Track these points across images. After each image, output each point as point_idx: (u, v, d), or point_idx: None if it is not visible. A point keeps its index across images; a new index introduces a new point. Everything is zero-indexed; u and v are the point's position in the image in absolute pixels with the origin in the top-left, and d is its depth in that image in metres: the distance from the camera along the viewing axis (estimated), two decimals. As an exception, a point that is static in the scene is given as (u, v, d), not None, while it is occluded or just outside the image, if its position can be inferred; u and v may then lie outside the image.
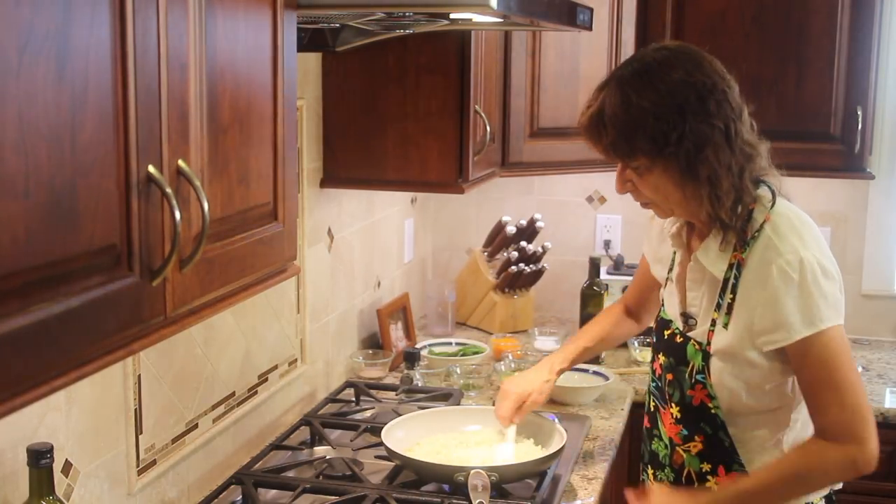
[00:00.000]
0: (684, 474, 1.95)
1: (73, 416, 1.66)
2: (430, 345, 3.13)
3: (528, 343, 3.15)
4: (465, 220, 3.66)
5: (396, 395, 2.59)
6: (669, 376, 1.96)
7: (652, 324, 2.14)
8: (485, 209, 3.61)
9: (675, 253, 2.03)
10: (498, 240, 3.42)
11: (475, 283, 3.42)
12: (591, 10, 2.38)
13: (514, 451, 2.16)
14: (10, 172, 0.93)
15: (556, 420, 2.28)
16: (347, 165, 2.57)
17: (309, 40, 2.27)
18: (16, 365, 0.96)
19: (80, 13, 1.01)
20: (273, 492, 2.08)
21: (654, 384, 2.04)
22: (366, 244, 2.96)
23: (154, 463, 1.92)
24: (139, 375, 1.85)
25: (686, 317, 1.96)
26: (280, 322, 2.43)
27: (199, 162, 1.27)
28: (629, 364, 3.07)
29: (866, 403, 1.79)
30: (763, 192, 1.87)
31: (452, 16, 2.05)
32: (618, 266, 3.41)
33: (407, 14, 1.99)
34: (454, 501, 1.94)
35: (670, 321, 2.00)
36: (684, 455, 1.95)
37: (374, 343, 3.00)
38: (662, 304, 2.06)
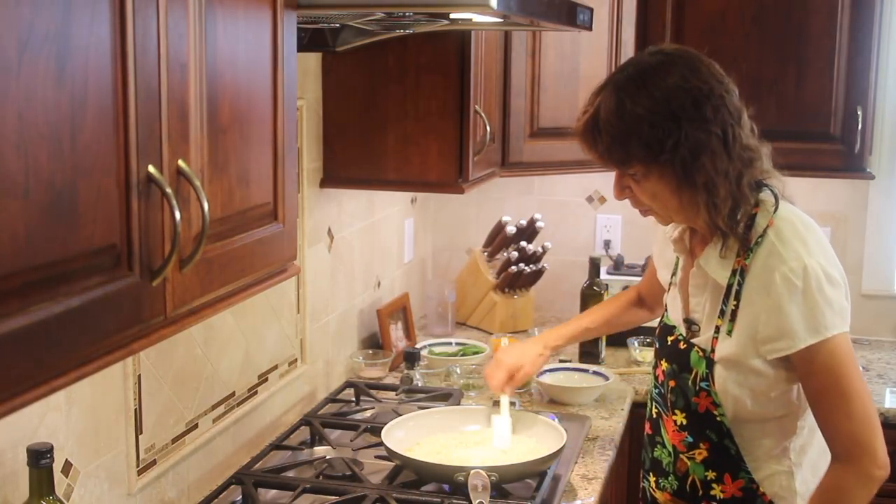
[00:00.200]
0: (688, 482, 1.93)
1: (73, 416, 1.66)
2: (430, 345, 3.13)
3: (528, 343, 3.15)
4: (465, 220, 3.66)
5: (396, 395, 2.59)
6: (672, 383, 1.94)
7: (656, 331, 2.12)
8: (485, 209, 3.62)
9: (678, 258, 2.01)
10: (498, 240, 3.42)
11: (475, 283, 3.42)
12: (591, 10, 2.38)
13: (509, 423, 2.17)
14: (10, 172, 0.93)
15: (556, 420, 2.28)
16: (347, 165, 2.57)
17: (309, 40, 2.27)
18: (16, 365, 0.96)
19: (80, 13, 1.01)
20: (273, 492, 2.08)
21: (656, 391, 2.02)
22: (366, 244, 2.96)
23: (154, 463, 1.92)
24: (139, 375, 1.85)
25: (689, 323, 1.94)
26: (280, 322, 2.43)
27: (199, 162, 1.27)
28: (629, 364, 3.07)
29: (873, 411, 1.78)
30: (766, 196, 1.85)
31: (452, 16, 2.05)
32: (618, 266, 3.41)
33: (407, 14, 1.99)
34: (454, 501, 1.94)
35: (673, 327, 1.98)
36: (689, 463, 1.93)
37: (374, 343, 3.00)
38: (666, 310, 2.05)
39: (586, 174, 3.29)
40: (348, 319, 2.86)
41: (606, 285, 3.18)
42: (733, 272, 1.83)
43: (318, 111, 2.56)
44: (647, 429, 2.08)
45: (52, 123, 0.98)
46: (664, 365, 1.97)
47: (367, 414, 2.47)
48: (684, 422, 1.92)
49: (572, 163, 2.93)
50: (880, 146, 3.29)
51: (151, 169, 1.15)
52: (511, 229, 3.34)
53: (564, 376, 2.83)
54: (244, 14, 1.37)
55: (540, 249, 3.36)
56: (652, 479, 2.04)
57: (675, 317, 2.00)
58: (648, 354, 3.01)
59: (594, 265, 3.16)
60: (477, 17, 2.12)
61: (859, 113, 2.94)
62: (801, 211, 1.87)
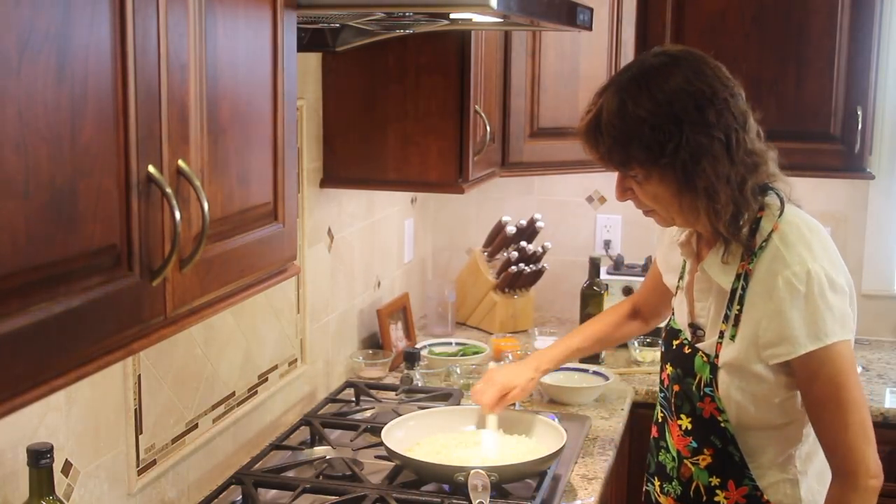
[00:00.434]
0: (692, 488, 1.92)
1: (73, 416, 1.66)
2: (430, 345, 3.13)
3: (528, 343, 3.15)
4: (465, 220, 3.66)
5: (396, 395, 2.59)
6: (677, 387, 1.92)
7: (661, 325, 2.12)
8: (485, 209, 3.62)
9: (685, 261, 2.00)
10: (498, 240, 3.42)
11: (475, 283, 3.42)
12: (591, 10, 2.38)
13: (498, 438, 2.17)
14: (10, 172, 0.93)
15: (556, 420, 2.28)
16: (347, 165, 2.57)
17: (309, 40, 2.27)
18: (16, 365, 0.96)
19: (80, 13, 1.01)
20: (273, 492, 2.08)
21: (661, 395, 2.01)
22: (366, 244, 2.96)
23: (154, 463, 1.92)
24: (139, 375, 1.85)
25: (694, 327, 1.93)
26: (280, 322, 2.43)
27: (199, 162, 1.27)
28: (629, 364, 3.07)
29: (870, 422, 1.77)
30: (771, 199, 1.83)
31: (452, 16, 2.05)
32: (618, 266, 3.41)
33: (407, 14, 1.99)
34: (454, 501, 1.94)
35: (679, 331, 1.97)
36: (693, 468, 1.91)
37: (374, 343, 3.00)
38: (673, 314, 2.04)
39: (586, 174, 3.29)
40: (348, 319, 2.86)
41: (606, 285, 3.19)
42: (737, 276, 1.81)
43: (318, 111, 2.56)
44: (654, 432, 2.07)
45: (52, 123, 0.98)
46: (669, 369, 1.96)
47: (367, 414, 2.47)
48: (689, 427, 1.91)
49: (572, 163, 2.93)
50: (880, 146, 3.29)
51: (151, 169, 1.15)
52: (511, 229, 3.34)
53: (564, 376, 2.83)
54: (244, 14, 1.37)
55: (540, 249, 3.36)
56: (656, 483, 2.03)
57: (681, 321, 1.98)
58: (648, 354, 3.01)
59: (594, 265, 3.16)
60: (477, 17, 2.12)
61: (859, 113, 2.94)
62: (807, 214, 1.86)
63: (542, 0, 2.02)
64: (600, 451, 2.41)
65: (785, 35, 2.98)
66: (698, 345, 1.90)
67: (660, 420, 2.03)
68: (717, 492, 1.88)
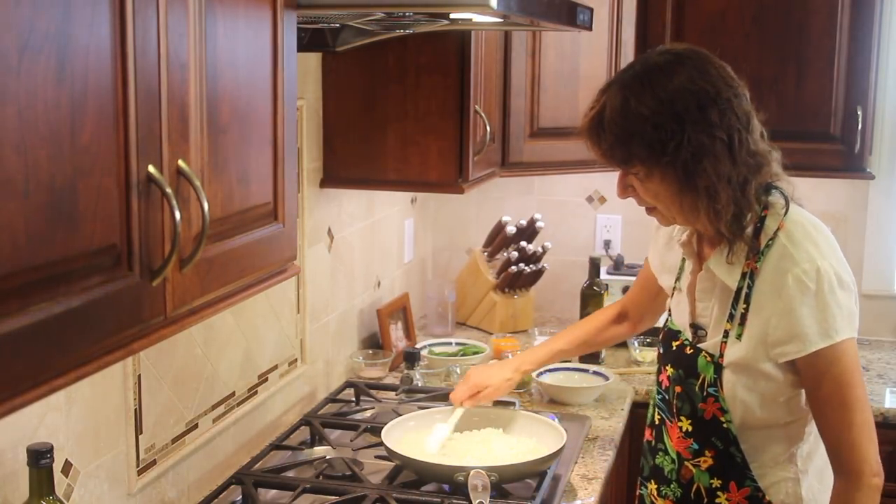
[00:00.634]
0: (693, 490, 1.91)
1: (73, 416, 1.66)
2: (430, 345, 3.13)
3: (528, 343, 3.15)
4: (465, 220, 3.66)
5: (396, 395, 2.59)
6: (678, 389, 1.91)
7: (656, 325, 2.12)
8: (485, 209, 3.61)
9: (683, 262, 1.99)
10: (498, 240, 3.42)
11: (475, 283, 3.42)
12: (591, 10, 2.38)
13: (447, 433, 2.18)
14: (10, 172, 0.93)
15: (556, 420, 2.28)
16: (347, 165, 2.57)
17: (309, 40, 2.27)
18: (16, 365, 0.96)
19: (80, 13, 1.01)
20: (273, 492, 2.08)
21: (659, 397, 1.99)
22: (366, 244, 2.96)
23: (154, 463, 1.92)
24: (139, 375, 1.85)
25: (696, 327, 1.92)
26: (280, 322, 2.43)
27: (199, 162, 1.27)
28: (629, 364, 3.07)
29: (872, 421, 1.78)
30: (775, 198, 1.83)
31: (452, 16, 2.05)
32: (618, 266, 3.41)
33: (407, 14, 1.99)
34: (454, 501, 1.94)
35: (678, 332, 1.96)
36: (693, 470, 1.91)
37: (374, 343, 3.00)
38: (669, 314, 2.03)
39: (586, 174, 3.29)
40: (348, 319, 2.86)
41: (606, 285, 3.19)
42: (743, 275, 1.81)
43: (318, 111, 2.56)
44: (648, 435, 2.06)
45: (52, 123, 0.98)
46: (669, 370, 1.95)
47: (367, 414, 2.47)
48: (690, 428, 1.90)
49: (572, 163, 2.93)
50: (880, 146, 3.29)
51: (151, 169, 1.15)
52: (511, 229, 3.34)
53: (564, 376, 2.83)
54: (244, 14, 1.37)
55: (540, 249, 3.36)
56: (652, 486, 2.02)
57: (680, 321, 1.97)
58: (648, 354, 3.01)
59: (594, 265, 3.16)
60: (477, 17, 2.12)
61: (859, 113, 2.94)
62: (810, 213, 1.86)
63: (542, 0, 2.02)
64: (600, 451, 2.41)
65: (785, 35, 2.98)
66: (700, 345, 1.89)
67: (656, 422, 2.01)
68: (719, 493, 1.88)
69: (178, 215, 1.17)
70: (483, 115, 2.55)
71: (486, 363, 2.59)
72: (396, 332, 3.06)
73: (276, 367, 2.43)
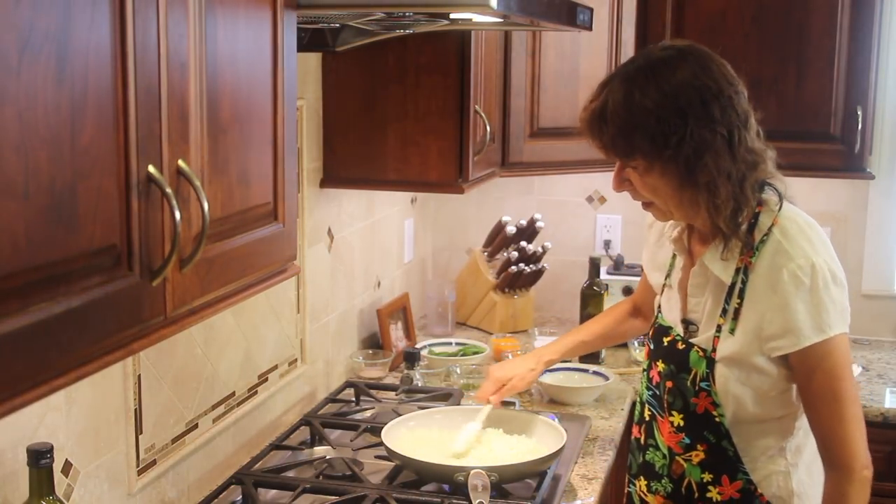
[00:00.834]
0: (684, 484, 1.92)
1: (73, 416, 1.66)
2: (430, 345, 3.13)
3: (528, 343, 3.15)
4: (465, 220, 3.66)
5: (396, 395, 2.59)
6: (669, 384, 1.92)
7: (649, 333, 2.12)
8: (485, 209, 3.61)
9: (673, 258, 2.00)
10: (498, 240, 3.42)
11: (475, 283, 3.42)
12: (591, 10, 2.38)
13: (476, 431, 2.18)
14: (10, 173, 0.93)
15: (556, 420, 2.28)
16: (347, 165, 2.57)
17: (309, 40, 2.27)
18: (16, 365, 0.96)
19: (80, 13, 1.01)
20: (273, 492, 2.08)
21: (649, 392, 2.00)
22: (366, 244, 2.96)
23: (154, 463, 1.92)
24: (139, 375, 1.85)
25: (687, 323, 1.93)
26: (280, 322, 2.43)
27: (199, 162, 1.27)
28: (629, 364, 3.07)
29: (862, 415, 1.81)
30: (769, 195, 1.85)
31: (452, 16, 2.05)
32: (618, 266, 3.41)
33: (407, 14, 1.99)
34: (454, 501, 1.94)
35: (669, 328, 1.97)
36: (685, 465, 1.92)
37: (374, 343, 3.00)
38: (659, 311, 2.03)
39: (586, 174, 3.29)
40: (348, 319, 2.86)
41: (606, 285, 3.19)
42: (737, 270, 1.82)
43: (318, 111, 2.56)
44: (636, 433, 2.06)
45: (52, 124, 0.98)
46: (660, 366, 1.95)
47: (367, 414, 2.47)
48: (681, 423, 1.91)
49: (572, 163, 2.93)
50: (880, 146, 3.29)
51: (151, 169, 1.15)
52: (511, 229, 3.34)
53: (564, 376, 2.83)
54: (244, 14, 1.37)
55: (540, 249, 3.36)
56: (642, 483, 2.02)
57: (671, 318, 1.98)
58: (648, 354, 3.01)
59: (594, 265, 3.16)
60: (477, 17, 2.12)
61: (859, 113, 2.94)
62: (802, 211, 1.88)
63: (542, 0, 2.02)
64: (600, 451, 2.41)
65: (785, 35, 2.98)
66: (692, 340, 1.90)
67: (647, 418, 2.02)
68: (710, 487, 1.89)
69: (178, 215, 1.17)
70: (483, 115, 2.55)
71: (506, 360, 2.59)
72: (396, 332, 3.07)
73: (276, 367, 2.43)
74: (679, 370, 1.90)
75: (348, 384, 2.67)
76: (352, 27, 2.26)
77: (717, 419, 1.86)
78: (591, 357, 3.01)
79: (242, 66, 1.37)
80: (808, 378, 1.78)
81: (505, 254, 3.37)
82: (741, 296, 1.82)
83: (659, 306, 2.05)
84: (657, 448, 1.98)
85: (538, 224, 3.41)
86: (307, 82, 2.49)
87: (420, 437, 2.19)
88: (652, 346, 2.02)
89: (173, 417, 1.98)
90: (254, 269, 1.44)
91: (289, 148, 1.53)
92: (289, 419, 2.47)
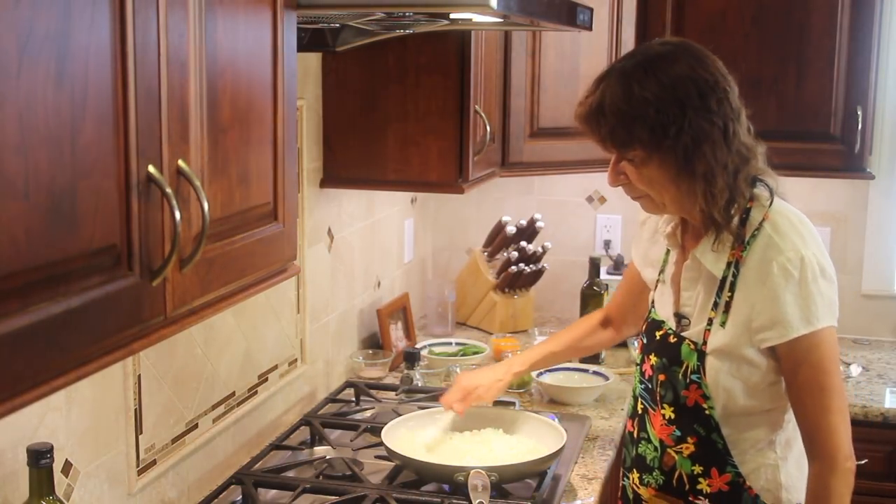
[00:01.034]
0: (675, 476, 1.94)
1: (73, 416, 1.66)
2: (430, 345, 3.13)
3: (528, 343, 3.15)
4: (465, 220, 3.66)
5: (396, 395, 2.59)
6: (662, 377, 1.94)
7: (642, 328, 2.12)
8: (485, 209, 3.61)
9: (667, 254, 2.03)
10: (498, 240, 3.42)
11: (475, 283, 3.42)
12: (591, 10, 2.38)
13: (434, 436, 2.18)
14: (11, 173, 0.93)
15: (556, 420, 2.28)
16: (347, 165, 2.57)
17: (309, 40, 2.27)
18: (16, 365, 0.96)
19: (80, 13, 1.01)
20: (273, 492, 2.08)
21: (642, 386, 2.02)
22: (366, 244, 2.96)
23: (154, 463, 1.92)
24: (139, 375, 1.85)
25: (679, 317, 1.95)
26: (280, 322, 2.43)
27: (199, 162, 1.27)
28: (629, 364, 3.07)
29: (847, 408, 1.83)
30: (760, 190, 1.88)
31: (452, 16, 2.05)
32: (618, 266, 3.41)
33: (407, 14, 1.99)
34: (454, 501, 1.94)
35: (662, 322, 1.99)
36: (676, 457, 1.94)
37: (374, 343, 3.00)
38: (652, 307, 2.05)
39: (586, 174, 3.29)
40: (348, 319, 2.86)
41: (606, 285, 3.18)
42: (728, 264, 1.85)
43: (318, 111, 2.56)
44: (629, 426, 2.09)
45: (52, 124, 0.98)
46: (653, 359, 1.98)
47: (367, 414, 2.47)
48: (672, 416, 1.93)
49: (572, 163, 2.93)
50: (880, 146, 3.29)
51: (151, 169, 1.15)
52: (511, 229, 3.34)
53: (564, 376, 2.83)
54: (244, 14, 1.37)
55: (540, 249, 3.36)
56: (635, 475, 2.04)
57: (664, 312, 2.01)
58: (648, 354, 3.01)
59: (594, 265, 3.16)
60: (477, 17, 2.12)
61: (859, 113, 2.94)
62: (794, 207, 1.91)
63: (542, 0, 2.03)
64: (600, 451, 2.42)
65: (785, 35, 2.98)
66: (684, 333, 1.93)
67: (640, 412, 2.04)
68: (700, 480, 1.91)
69: (178, 215, 1.17)
70: (483, 115, 2.55)
71: (476, 368, 2.59)
72: (396, 332, 3.07)
73: (276, 367, 2.43)
74: (671, 363, 1.93)
75: (348, 384, 2.67)
76: (352, 27, 2.26)
77: (706, 412, 1.88)
78: (591, 357, 3.01)
79: (242, 66, 1.37)
80: (795, 369, 1.81)
81: (505, 254, 3.37)
82: (732, 289, 1.84)
83: (652, 302, 2.07)
84: (649, 441, 2.00)
85: (538, 224, 3.41)
86: (307, 82, 2.49)
87: (420, 437, 2.20)
88: (645, 341, 2.04)
89: (173, 417, 1.98)
90: (254, 269, 1.44)
91: (289, 148, 1.53)
92: (289, 419, 2.47)
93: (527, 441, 2.20)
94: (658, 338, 1.98)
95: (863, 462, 2.66)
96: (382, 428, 2.17)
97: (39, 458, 1.42)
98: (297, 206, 1.67)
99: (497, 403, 2.41)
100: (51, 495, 1.44)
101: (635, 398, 2.06)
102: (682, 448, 1.93)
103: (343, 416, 2.46)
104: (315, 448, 2.28)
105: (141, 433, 1.87)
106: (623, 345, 3.07)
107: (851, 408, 2.74)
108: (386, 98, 2.51)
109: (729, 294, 1.85)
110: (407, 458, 2.05)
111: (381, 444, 2.12)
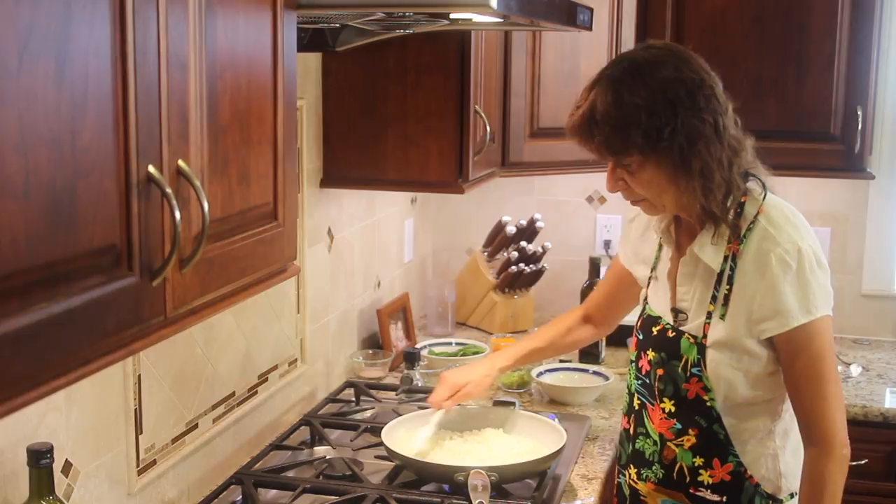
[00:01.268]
0: (675, 469, 1.96)
1: (73, 416, 1.66)
2: (430, 345, 3.13)
3: (528, 343, 3.14)
4: (465, 220, 3.66)
5: (396, 395, 2.59)
6: (660, 371, 1.96)
7: (636, 325, 2.12)
8: (485, 209, 3.61)
9: (659, 251, 2.05)
10: (498, 240, 3.42)
11: (475, 283, 3.42)
12: (591, 10, 2.38)
13: (428, 436, 2.17)
14: (11, 173, 0.93)
15: (556, 420, 2.28)
16: (347, 165, 2.57)
17: (309, 40, 2.27)
18: (16, 365, 0.96)
19: (80, 13, 1.01)
20: (273, 492, 2.08)
21: (638, 382, 2.03)
22: (366, 244, 2.96)
23: (154, 463, 1.92)
24: (139, 375, 1.85)
25: (676, 312, 1.97)
26: (280, 322, 2.43)
27: (199, 162, 1.27)
28: (629, 364, 3.06)
29: (843, 396, 1.87)
30: (753, 185, 1.91)
31: (452, 16, 2.05)
32: (618, 266, 3.41)
33: (407, 14, 1.99)
34: (454, 501, 1.94)
35: (658, 317, 2.00)
36: (676, 450, 1.95)
37: (374, 343, 3.00)
38: (646, 303, 2.07)
39: (586, 174, 3.29)
40: (348, 319, 2.86)
41: (606, 285, 3.18)
42: (725, 258, 1.88)
43: (318, 111, 2.56)
44: (625, 423, 2.09)
45: (52, 124, 0.98)
46: (651, 355, 1.99)
47: (367, 414, 2.47)
48: (672, 409, 1.94)
49: (572, 163, 2.93)
50: (880, 146, 3.29)
51: (151, 169, 1.15)
52: (511, 229, 3.34)
53: (564, 376, 2.83)
54: (244, 14, 1.37)
55: (540, 249, 3.36)
56: (632, 471, 2.05)
57: (659, 308, 2.02)
58: (648, 354, 3.01)
59: (594, 265, 3.16)
60: (477, 17, 2.12)
61: (859, 113, 2.94)
62: (784, 201, 1.94)
63: (542, 0, 2.03)
64: (600, 451, 2.42)
65: (785, 35, 2.98)
66: (682, 328, 1.94)
67: (636, 408, 2.04)
68: (702, 471, 1.93)
69: (178, 215, 1.17)
70: (483, 115, 2.55)
71: (461, 365, 2.59)
72: (396, 332, 3.07)
73: (276, 367, 2.43)
74: (670, 357, 1.94)
75: (348, 384, 2.67)
76: (352, 27, 2.26)
77: (708, 403, 1.90)
78: (591, 357, 3.02)
79: (242, 66, 1.37)
80: (794, 358, 1.84)
81: (505, 254, 3.37)
82: (730, 282, 1.87)
83: (645, 298, 2.08)
84: (647, 436, 2.01)
85: (538, 224, 3.41)
86: (307, 82, 2.49)
87: (420, 437, 2.19)
88: (640, 337, 2.05)
89: (173, 417, 1.98)
90: (254, 269, 1.44)
91: (289, 148, 1.53)
92: (289, 419, 2.47)
93: (527, 441, 2.20)
94: (655, 333, 1.99)
95: (863, 462, 2.67)
96: (382, 428, 2.17)
97: (39, 458, 1.42)
98: (297, 206, 1.67)
99: (497, 403, 2.41)
100: (51, 495, 1.44)
101: (630, 395, 2.07)
102: (682, 441, 1.94)
103: (343, 416, 2.46)
104: (315, 448, 2.28)
105: (141, 433, 1.87)
106: (623, 345, 3.07)
107: (851, 408, 2.75)
108: (386, 98, 2.51)
109: (727, 287, 1.87)
110: (407, 458, 2.05)
111: (381, 444, 2.12)
